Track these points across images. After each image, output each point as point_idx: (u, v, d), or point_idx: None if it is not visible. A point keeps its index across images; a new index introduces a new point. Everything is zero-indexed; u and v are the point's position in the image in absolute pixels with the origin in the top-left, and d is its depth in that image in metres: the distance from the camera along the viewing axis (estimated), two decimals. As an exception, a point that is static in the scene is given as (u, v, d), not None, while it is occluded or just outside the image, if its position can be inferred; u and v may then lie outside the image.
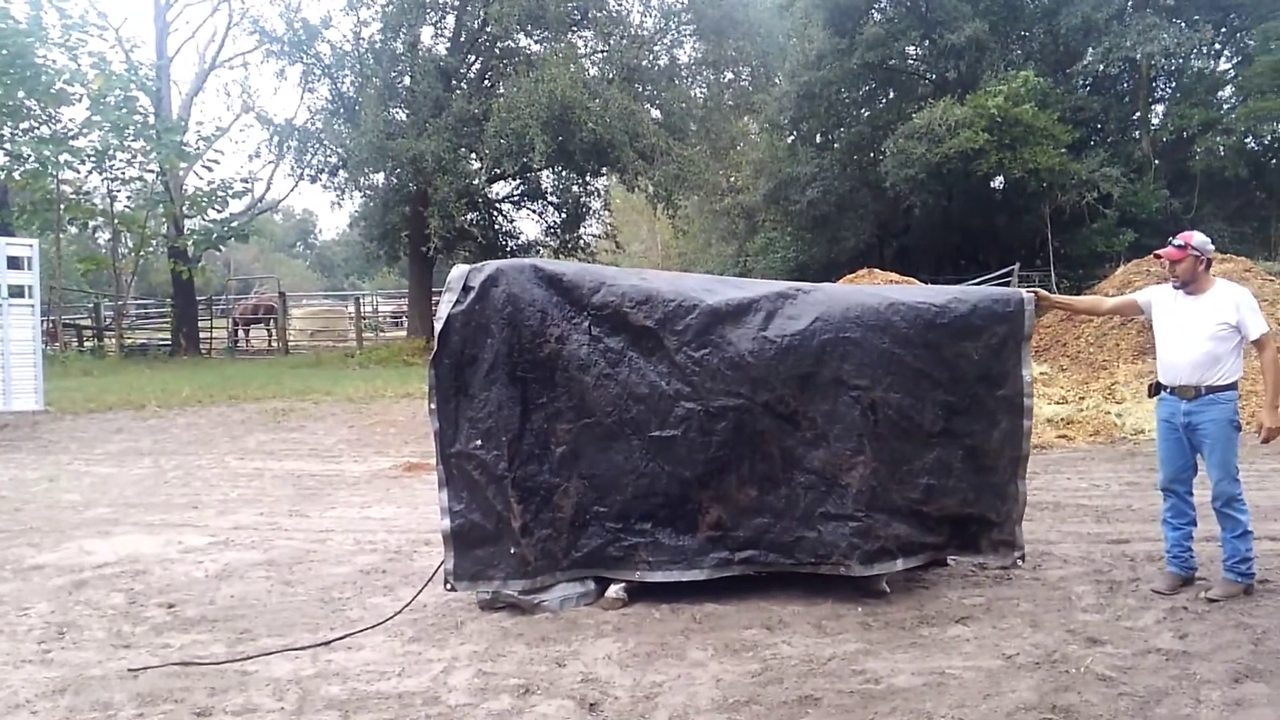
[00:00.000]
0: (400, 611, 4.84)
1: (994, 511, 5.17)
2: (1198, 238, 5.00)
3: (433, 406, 4.91)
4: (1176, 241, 5.03)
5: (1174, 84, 28.18)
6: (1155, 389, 5.21)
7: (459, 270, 5.07)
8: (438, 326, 4.91)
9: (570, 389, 4.97)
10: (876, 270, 15.89)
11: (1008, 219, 27.30)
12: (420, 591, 5.05)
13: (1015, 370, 5.15)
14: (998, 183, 26.70)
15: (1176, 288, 5.10)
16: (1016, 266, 23.11)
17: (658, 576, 4.97)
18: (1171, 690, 3.81)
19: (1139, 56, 24.42)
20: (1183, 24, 24.77)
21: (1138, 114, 27.71)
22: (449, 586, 4.93)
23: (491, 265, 5.14)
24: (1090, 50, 25.85)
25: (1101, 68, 26.19)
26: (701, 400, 4.94)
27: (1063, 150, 23.36)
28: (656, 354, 5.00)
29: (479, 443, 4.88)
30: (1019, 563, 5.24)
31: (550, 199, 26.93)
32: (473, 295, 4.93)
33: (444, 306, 4.93)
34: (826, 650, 4.31)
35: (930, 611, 4.83)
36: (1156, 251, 5.22)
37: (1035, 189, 24.25)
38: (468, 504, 4.91)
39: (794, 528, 5.00)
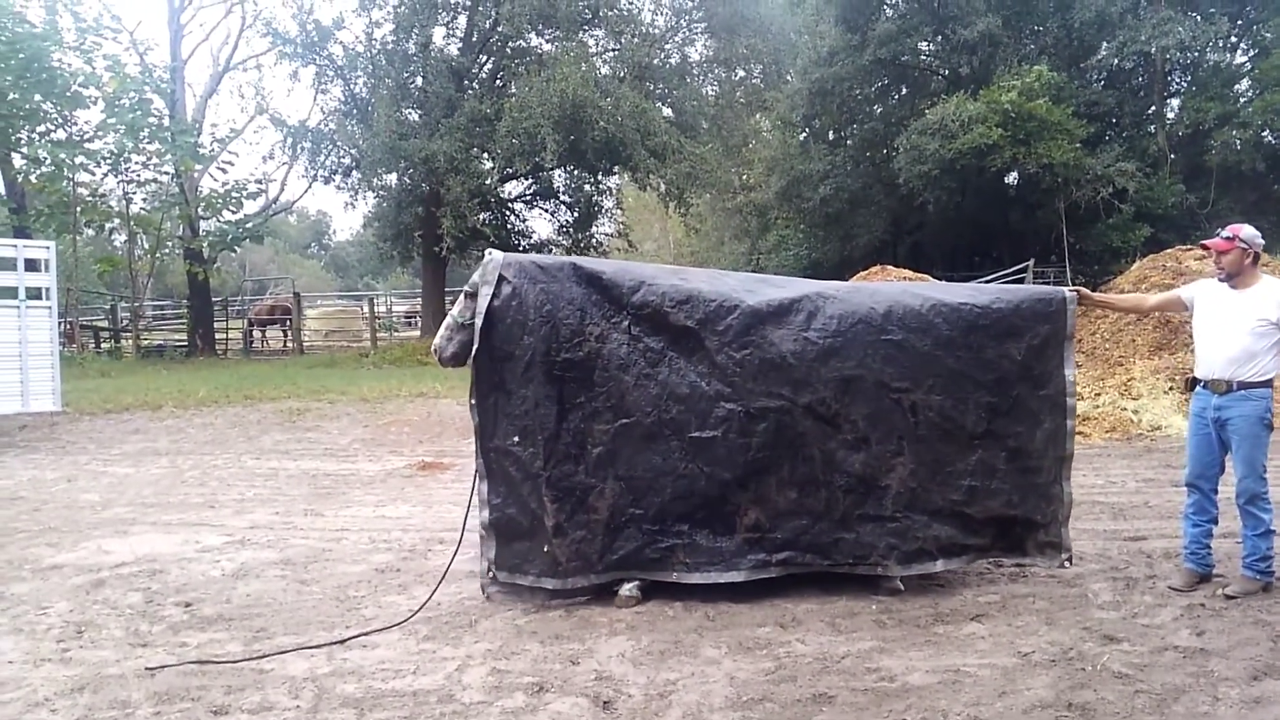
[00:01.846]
0: (416, 613, 4.85)
1: (1039, 513, 5.14)
2: (1247, 230, 4.93)
3: (473, 401, 4.92)
4: (1225, 233, 4.97)
5: (1189, 77, 27.92)
6: (1191, 383, 5.17)
7: (495, 260, 4.98)
8: (478, 322, 4.86)
9: (609, 389, 4.93)
10: (890, 267, 15.84)
11: (1022, 215, 27.16)
12: (434, 592, 5.05)
13: (1058, 370, 5.12)
14: (1012, 178, 26.57)
15: (1221, 280, 5.04)
16: (1031, 262, 22.96)
17: (695, 578, 4.95)
18: (1189, 688, 3.78)
19: (1154, 50, 24.22)
20: (1198, 17, 24.52)
21: (1153, 108, 27.49)
22: (491, 575, 4.96)
23: (528, 259, 5.09)
24: (1104, 44, 25.66)
25: (1116, 62, 26.00)
26: (742, 401, 4.92)
27: (1077, 145, 23.20)
28: (697, 354, 4.97)
29: (516, 439, 4.88)
30: (1066, 565, 5.18)
31: (562, 198, 26.99)
32: (509, 290, 4.90)
33: (481, 300, 4.88)
34: (841, 648, 4.30)
35: (945, 609, 4.82)
36: (1204, 242, 5.16)
37: (1050, 184, 24.10)
38: (505, 498, 4.93)
39: (832, 529, 4.99)
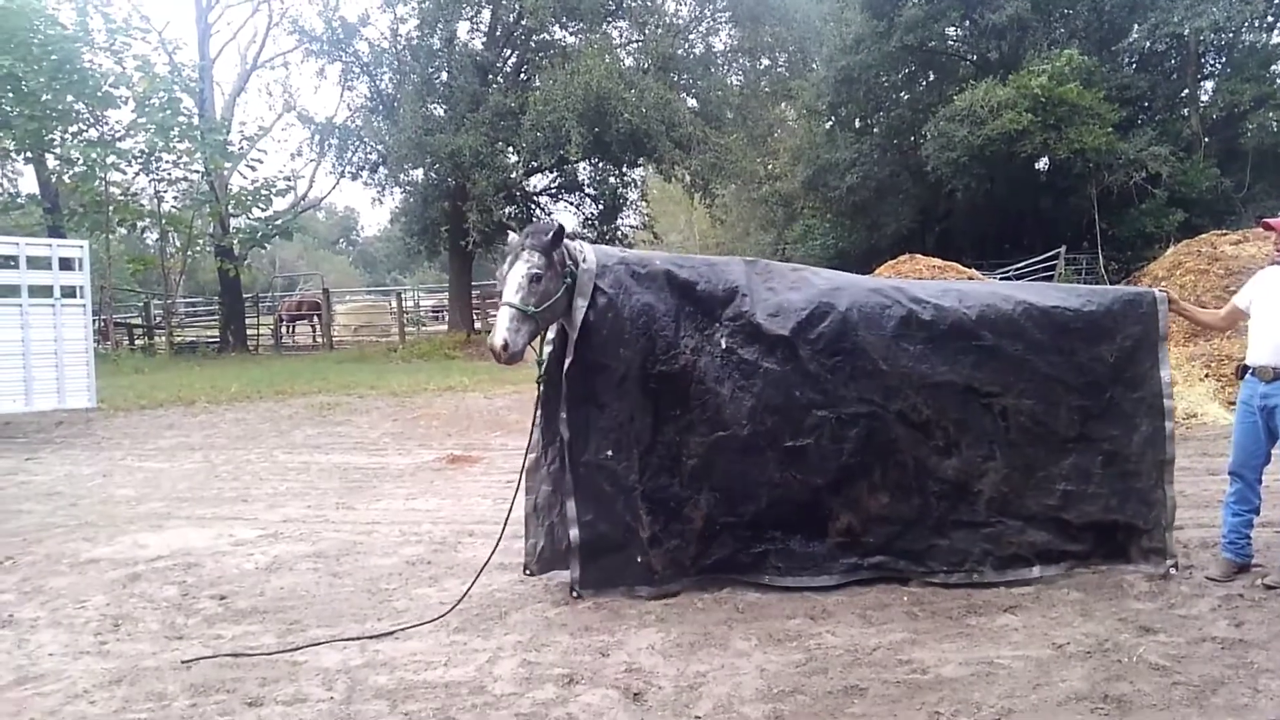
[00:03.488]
0: (451, 610, 4.87)
1: (1141, 518, 5.05)
2: None
3: (564, 415, 4.85)
4: None
5: (1224, 59, 27.34)
6: (1242, 370, 5.09)
7: (589, 269, 4.84)
8: (572, 335, 4.79)
9: (704, 402, 4.90)
10: (919, 256, 15.67)
11: (1053, 201, 26.77)
12: (470, 587, 5.07)
13: (1153, 371, 5.05)
14: (1042, 164, 26.16)
15: (1276, 262, 4.96)
16: (1063, 250, 22.68)
17: (787, 582, 4.96)
18: (1228, 679, 3.72)
19: (1187, 32, 23.74)
20: (1232, -4, 24.05)
21: (1186, 91, 26.98)
22: (575, 594, 4.92)
23: (621, 267, 4.98)
24: (1136, 27, 25.22)
25: (1148, 44, 25.54)
26: (834, 408, 4.91)
27: (1109, 129, 22.82)
28: (790, 364, 4.95)
29: (610, 453, 4.86)
30: (1173, 571, 5.04)
31: (587, 191, 26.95)
32: (605, 301, 4.86)
33: (576, 313, 4.80)
34: (872, 640, 4.27)
35: (978, 600, 4.77)
36: (1266, 220, 5.08)
37: (1081, 170, 23.74)
38: (596, 515, 4.88)
39: (926, 535, 4.98)
